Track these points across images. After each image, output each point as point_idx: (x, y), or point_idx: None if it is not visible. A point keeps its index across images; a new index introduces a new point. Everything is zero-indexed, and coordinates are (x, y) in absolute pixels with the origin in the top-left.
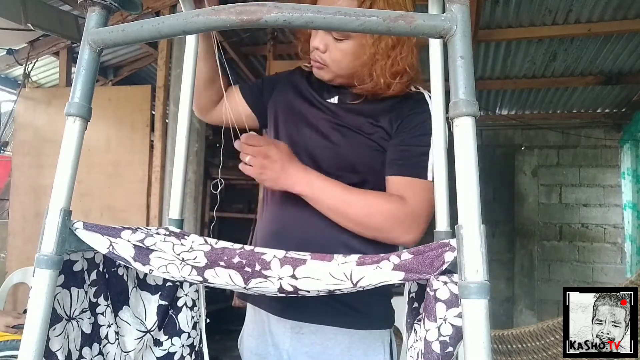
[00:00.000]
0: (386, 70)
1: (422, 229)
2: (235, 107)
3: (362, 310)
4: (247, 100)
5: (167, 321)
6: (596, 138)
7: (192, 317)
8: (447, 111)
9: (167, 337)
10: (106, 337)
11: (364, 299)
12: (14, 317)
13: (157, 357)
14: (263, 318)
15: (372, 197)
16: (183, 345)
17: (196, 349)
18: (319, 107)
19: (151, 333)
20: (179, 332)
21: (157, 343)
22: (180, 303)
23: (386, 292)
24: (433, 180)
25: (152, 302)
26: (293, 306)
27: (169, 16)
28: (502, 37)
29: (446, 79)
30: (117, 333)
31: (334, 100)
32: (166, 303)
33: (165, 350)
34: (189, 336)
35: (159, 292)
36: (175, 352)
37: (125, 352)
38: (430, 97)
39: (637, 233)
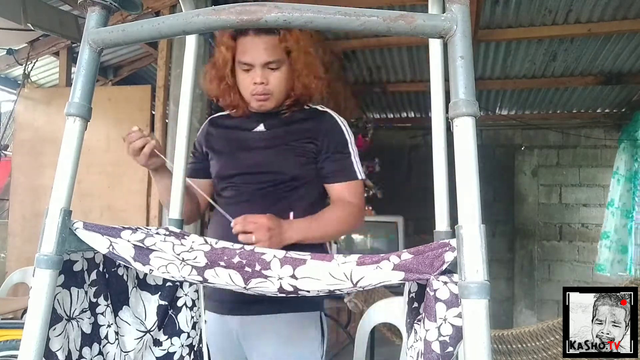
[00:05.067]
0: (300, 86)
1: (364, 214)
2: (205, 190)
3: (293, 298)
4: (204, 177)
5: (166, 321)
6: (596, 138)
7: (192, 317)
8: (447, 111)
9: (166, 337)
10: (106, 337)
11: None
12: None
13: (156, 357)
14: (227, 320)
15: (332, 214)
16: (182, 345)
17: (195, 349)
18: (249, 136)
19: (151, 333)
20: (178, 332)
21: (157, 343)
22: (180, 303)
23: None
24: (362, 177)
25: (152, 302)
26: (238, 306)
27: (169, 16)
28: (502, 37)
29: (446, 79)
30: (117, 333)
31: (261, 128)
32: (166, 303)
33: (164, 350)
34: (189, 336)
35: (159, 292)
36: (175, 352)
37: (125, 352)
38: (333, 113)
39: (622, 232)
